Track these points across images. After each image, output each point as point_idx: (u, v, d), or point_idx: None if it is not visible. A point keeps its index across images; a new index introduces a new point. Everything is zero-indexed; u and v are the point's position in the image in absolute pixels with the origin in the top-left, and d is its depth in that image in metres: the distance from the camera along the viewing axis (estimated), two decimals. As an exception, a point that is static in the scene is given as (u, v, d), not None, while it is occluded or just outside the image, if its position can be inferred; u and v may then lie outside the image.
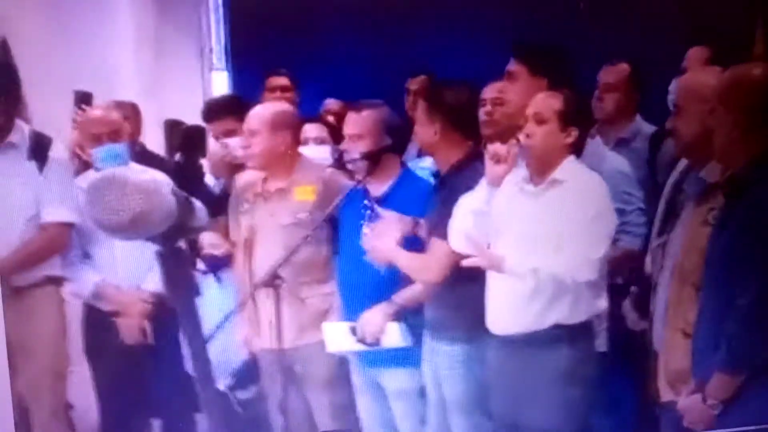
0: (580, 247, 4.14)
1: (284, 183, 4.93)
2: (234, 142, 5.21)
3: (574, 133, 4.26)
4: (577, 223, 4.15)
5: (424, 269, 4.53)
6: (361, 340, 4.66)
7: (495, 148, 4.30)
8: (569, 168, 4.27)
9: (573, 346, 4.22)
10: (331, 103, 6.18)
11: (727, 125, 3.75)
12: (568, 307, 4.21)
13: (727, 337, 3.67)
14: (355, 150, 4.73)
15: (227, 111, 5.43)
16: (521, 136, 4.29)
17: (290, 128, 5.01)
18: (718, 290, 3.74)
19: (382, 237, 4.56)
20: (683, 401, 3.92)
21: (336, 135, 5.34)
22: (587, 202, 4.18)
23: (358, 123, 4.75)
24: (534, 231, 4.23)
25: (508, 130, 4.76)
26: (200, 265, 5.18)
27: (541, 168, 4.29)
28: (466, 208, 4.35)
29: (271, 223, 4.90)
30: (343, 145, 4.84)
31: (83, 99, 5.35)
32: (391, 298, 4.65)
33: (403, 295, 4.65)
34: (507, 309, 4.29)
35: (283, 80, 6.16)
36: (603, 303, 4.34)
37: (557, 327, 4.22)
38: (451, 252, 4.38)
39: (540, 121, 4.27)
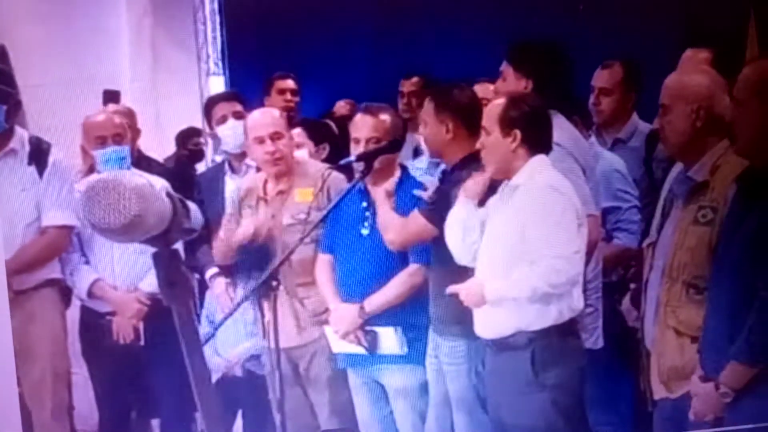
0: (551, 249, 4.15)
1: (285, 185, 4.99)
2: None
3: (518, 135, 4.24)
4: (543, 226, 4.18)
5: (389, 227, 4.60)
6: (357, 341, 4.72)
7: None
8: (529, 170, 4.26)
9: (539, 351, 4.22)
10: (343, 105, 6.25)
11: (759, 118, 3.69)
12: (536, 313, 4.22)
13: (748, 329, 3.64)
14: (357, 151, 4.78)
15: (236, 97, 5.67)
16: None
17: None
18: (733, 285, 3.71)
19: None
20: (694, 388, 3.88)
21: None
22: (549, 204, 4.19)
23: (378, 125, 4.77)
24: (503, 242, 4.26)
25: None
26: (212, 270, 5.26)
27: (506, 176, 4.31)
28: (455, 218, 4.41)
29: (272, 225, 4.96)
30: (354, 148, 4.87)
31: (111, 97, 5.43)
32: (362, 306, 4.72)
33: (373, 303, 4.72)
34: (483, 313, 4.33)
35: (291, 83, 6.23)
36: (579, 303, 4.34)
37: (521, 332, 4.23)
38: (420, 229, 4.48)
39: (487, 132, 4.30)
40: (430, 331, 4.69)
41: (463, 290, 4.30)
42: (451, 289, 4.33)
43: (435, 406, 4.74)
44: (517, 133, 4.24)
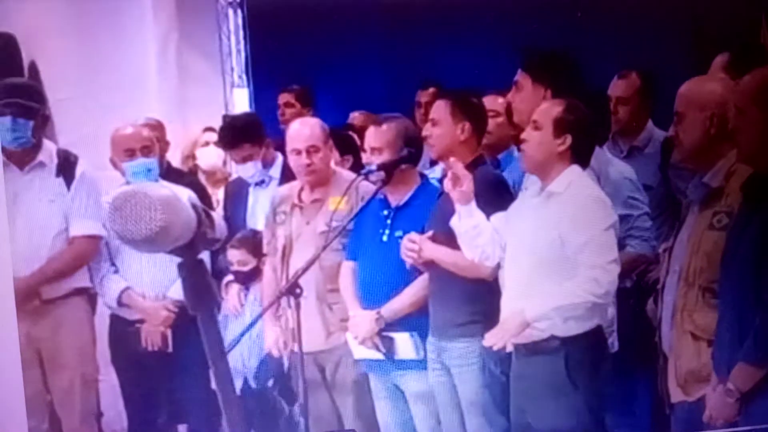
0: (591, 259, 4.20)
1: (321, 194, 5.08)
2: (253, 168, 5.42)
3: (568, 140, 4.29)
4: (584, 235, 4.21)
5: (470, 266, 4.58)
6: (375, 347, 4.79)
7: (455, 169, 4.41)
8: (567, 179, 4.30)
9: (572, 354, 4.28)
10: (357, 116, 6.28)
11: (759, 125, 3.77)
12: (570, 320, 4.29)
13: (755, 330, 3.71)
14: (374, 162, 4.85)
15: (244, 137, 5.55)
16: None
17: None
18: (740, 288, 3.78)
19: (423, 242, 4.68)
20: (709, 393, 3.95)
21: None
22: (592, 214, 4.24)
23: (379, 136, 4.86)
24: (534, 250, 4.30)
25: (504, 140, 4.89)
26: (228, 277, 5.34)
27: (541, 176, 4.35)
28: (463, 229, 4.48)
29: (307, 231, 5.04)
30: (365, 158, 4.96)
31: None
32: (379, 312, 4.78)
33: (391, 308, 4.79)
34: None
35: (289, 97, 6.28)
36: (611, 309, 4.41)
37: (554, 337, 4.29)
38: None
39: (536, 127, 4.32)
40: (429, 337, 4.75)
41: (503, 329, 4.34)
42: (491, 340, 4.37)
43: (445, 411, 4.78)
44: (568, 137, 4.30)
